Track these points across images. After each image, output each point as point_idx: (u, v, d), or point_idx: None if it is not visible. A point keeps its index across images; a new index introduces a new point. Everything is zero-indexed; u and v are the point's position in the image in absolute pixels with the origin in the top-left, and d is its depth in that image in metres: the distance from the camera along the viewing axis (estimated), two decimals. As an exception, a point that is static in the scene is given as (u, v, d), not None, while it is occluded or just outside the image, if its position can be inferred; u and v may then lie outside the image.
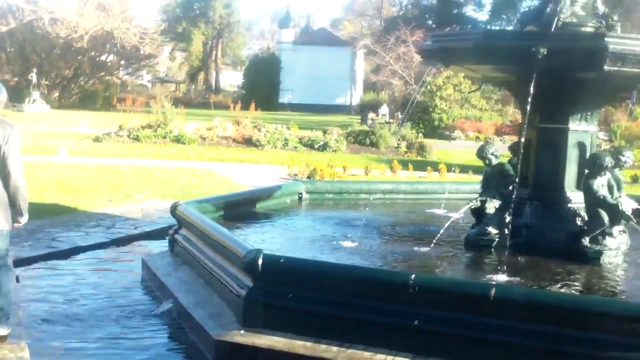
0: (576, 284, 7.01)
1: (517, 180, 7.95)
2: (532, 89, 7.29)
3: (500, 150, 8.64)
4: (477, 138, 32.99)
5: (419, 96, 38.59)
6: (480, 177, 17.58)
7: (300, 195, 10.99)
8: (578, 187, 8.11)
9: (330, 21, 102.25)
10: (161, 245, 10.39)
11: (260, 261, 6.19)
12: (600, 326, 5.32)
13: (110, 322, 7.17)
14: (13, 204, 6.04)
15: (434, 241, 8.02)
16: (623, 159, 8.15)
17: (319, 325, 6.02)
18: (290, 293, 6.17)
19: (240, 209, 9.76)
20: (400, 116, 42.53)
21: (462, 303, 5.71)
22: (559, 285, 6.80)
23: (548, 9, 8.22)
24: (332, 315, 6.01)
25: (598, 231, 7.68)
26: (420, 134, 28.54)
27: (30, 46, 50.95)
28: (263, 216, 9.82)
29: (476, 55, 7.66)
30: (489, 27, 63.50)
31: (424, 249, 8.00)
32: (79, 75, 55.21)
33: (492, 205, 8.07)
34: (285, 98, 68.23)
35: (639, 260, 7.88)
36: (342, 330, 5.94)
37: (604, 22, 8.06)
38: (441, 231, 8.18)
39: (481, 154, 8.39)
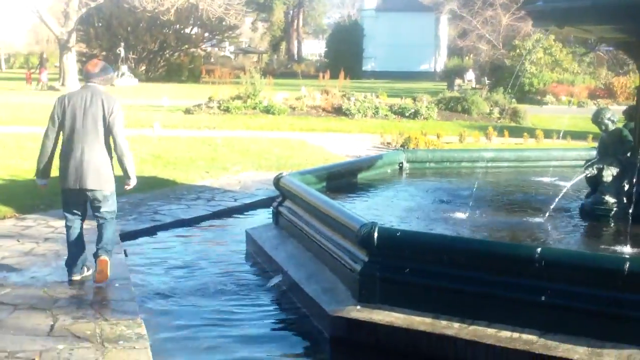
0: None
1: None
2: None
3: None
4: (570, 102, 32.07)
5: (507, 60, 37.71)
6: (580, 143, 17.26)
7: (401, 165, 10.76)
8: (700, 152, 7.65)
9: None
10: (262, 217, 10.41)
11: (376, 235, 6.01)
12: None
13: (221, 296, 7.14)
14: (121, 167, 6.79)
15: (548, 212, 7.72)
16: None
17: (439, 301, 5.84)
18: (408, 267, 5.99)
19: (342, 180, 9.62)
20: (487, 81, 41.67)
21: (593, 277, 5.41)
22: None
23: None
24: (452, 290, 5.81)
25: None
26: (514, 99, 27.83)
27: (116, 21, 51.77)
28: (366, 187, 9.64)
29: (596, 14, 7.22)
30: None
31: (538, 220, 7.70)
32: (165, 49, 55.87)
33: (609, 173, 7.71)
34: (368, 66, 67.73)
35: None
36: (463, 305, 5.74)
37: None
38: (555, 201, 7.86)
39: (597, 119, 8.00)
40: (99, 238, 6.87)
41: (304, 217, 7.78)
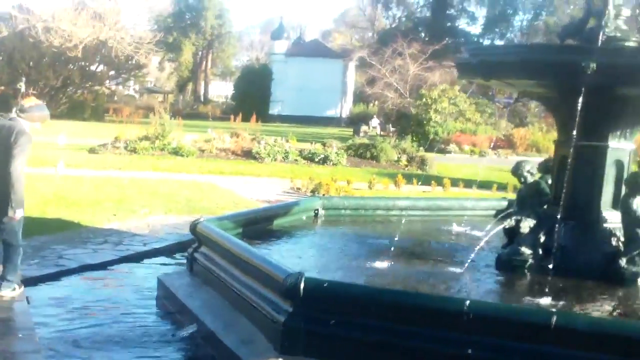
0: (618, 307, 6.73)
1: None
2: (579, 104, 7.01)
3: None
4: (472, 152, 32.85)
5: (413, 109, 38.47)
6: (485, 193, 17.59)
7: (316, 212, 10.63)
8: (614, 207, 7.82)
9: (320, 33, 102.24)
10: (173, 263, 10.10)
11: (302, 285, 5.83)
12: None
13: (133, 347, 6.79)
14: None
15: (467, 263, 7.73)
16: (660, 178, 7.85)
17: (365, 353, 5.69)
18: (334, 319, 5.82)
19: (259, 226, 9.40)
20: (392, 128, 42.34)
21: (520, 331, 5.38)
22: (602, 308, 6.54)
23: (591, 24, 7.98)
24: (379, 343, 5.67)
25: (636, 252, 7.40)
26: (421, 148, 28.31)
27: (19, 54, 50.28)
28: (283, 234, 9.45)
29: (521, 69, 7.35)
30: (481, 41, 63.72)
31: (457, 270, 7.67)
32: (68, 85, 54.57)
33: (526, 225, 7.78)
34: (275, 110, 67.96)
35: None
36: (390, 359, 5.61)
37: (647, 37, 7.80)
38: (474, 251, 7.88)
39: (517, 171, 8.10)
40: None
41: (222, 264, 7.53)
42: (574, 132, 7.46)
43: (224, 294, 7.29)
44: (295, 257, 8.03)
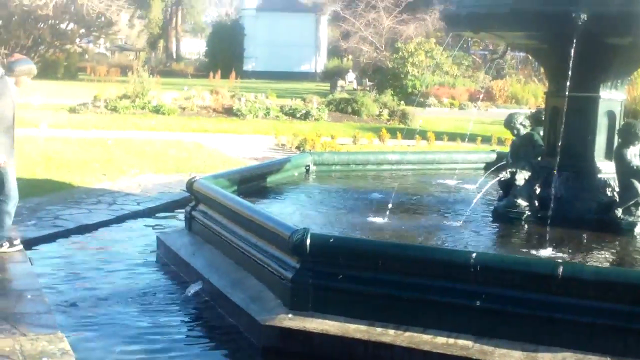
0: (615, 256, 6.88)
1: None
2: (570, 55, 7.05)
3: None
4: (452, 104, 32.87)
5: (389, 63, 38.34)
6: (470, 145, 17.71)
7: (307, 168, 10.70)
8: (607, 157, 7.95)
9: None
10: (170, 222, 10.15)
11: (308, 241, 5.91)
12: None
13: (139, 306, 6.86)
14: None
15: (464, 216, 7.85)
16: (651, 127, 7.97)
17: (374, 307, 5.80)
18: (341, 274, 5.93)
19: (252, 183, 9.45)
20: (368, 83, 42.20)
21: (526, 282, 5.51)
22: (599, 257, 6.67)
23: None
24: (387, 296, 5.79)
25: (632, 202, 7.53)
26: (402, 102, 28.30)
27: (-13, 15, 49.42)
28: (277, 191, 9.53)
29: (511, 20, 7.37)
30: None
31: (455, 223, 7.80)
32: (39, 44, 53.68)
33: (521, 177, 7.86)
34: (249, 66, 67.35)
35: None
36: (398, 311, 5.73)
37: (636, -14, 7.82)
38: (472, 204, 8.01)
39: (509, 123, 8.15)
40: None
41: (223, 222, 7.59)
42: (566, 83, 7.52)
43: (228, 252, 7.36)
44: (295, 214, 8.10)
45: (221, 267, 7.21)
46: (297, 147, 17.20)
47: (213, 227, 7.79)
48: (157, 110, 23.53)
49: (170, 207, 10.91)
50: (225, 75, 32.03)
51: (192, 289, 7.16)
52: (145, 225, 10.05)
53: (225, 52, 63.50)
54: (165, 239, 8.50)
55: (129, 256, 8.60)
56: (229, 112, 24.14)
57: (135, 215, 10.41)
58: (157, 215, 10.63)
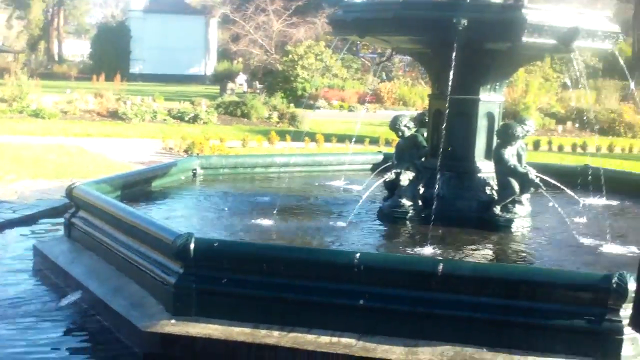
0: (493, 252, 7.11)
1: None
2: (452, 59, 7.22)
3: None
4: (341, 107, 33.25)
5: (279, 65, 38.45)
6: (358, 147, 17.91)
7: (194, 171, 10.54)
8: (487, 157, 8.17)
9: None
10: (47, 229, 9.79)
11: (192, 246, 5.80)
12: (547, 296, 5.35)
13: (14, 317, 6.56)
14: None
15: (350, 216, 7.89)
16: (526, 128, 8.22)
17: (258, 310, 5.74)
18: (226, 278, 5.84)
19: (137, 188, 9.24)
20: (259, 86, 42.19)
21: (407, 279, 5.59)
22: (478, 254, 6.86)
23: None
24: (272, 298, 5.75)
25: (509, 200, 7.77)
26: (291, 105, 28.37)
27: None
28: (162, 195, 9.34)
29: (395, 26, 7.50)
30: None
31: (341, 224, 7.84)
32: None
33: (406, 177, 7.98)
34: (136, 68, 66.23)
35: (545, 225, 8.07)
36: (282, 313, 5.70)
37: (511, -6, 8.07)
38: (357, 205, 8.07)
39: (394, 125, 8.24)
40: None
41: (104, 228, 7.36)
42: (448, 86, 7.68)
43: (109, 259, 7.14)
44: (179, 218, 7.96)
45: (102, 274, 6.99)
46: (185, 151, 16.99)
47: (94, 233, 7.55)
48: (36, 114, 22.78)
49: (49, 214, 10.51)
50: (110, 78, 31.37)
51: (70, 297, 6.91)
52: (22, 235, 9.64)
53: (111, 55, 62.37)
54: (42, 247, 8.19)
55: (2, 266, 8.22)
56: (114, 115, 23.63)
57: (10, 223, 9.95)
58: (35, 223, 10.21)
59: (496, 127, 8.15)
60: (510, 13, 7.25)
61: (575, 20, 7.31)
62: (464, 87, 7.95)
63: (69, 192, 8.16)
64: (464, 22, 6.99)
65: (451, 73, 7.31)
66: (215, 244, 5.98)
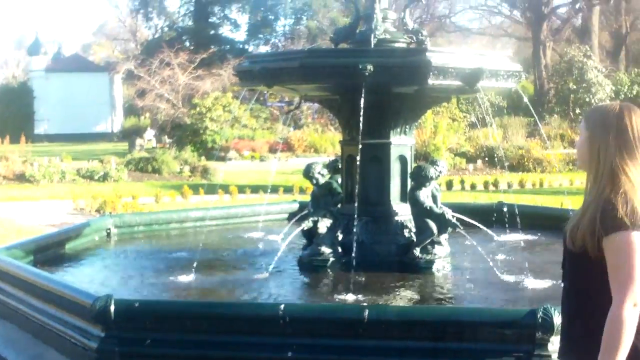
0: (418, 294, 7.15)
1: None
2: (361, 104, 7.32)
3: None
4: (253, 157, 33.31)
5: (187, 118, 38.33)
6: (273, 197, 17.94)
7: (108, 231, 10.33)
8: (402, 200, 8.28)
9: (80, 47, 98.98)
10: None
11: (112, 308, 5.66)
12: (474, 335, 5.39)
13: None
14: None
15: (271, 267, 7.86)
16: (439, 168, 8.38)
17: (185, 370, 5.65)
18: (149, 338, 5.72)
19: (50, 252, 8.98)
20: (168, 140, 41.92)
21: (336, 328, 5.58)
22: (401, 297, 6.92)
23: (362, 27, 8.41)
24: (198, 357, 5.66)
25: (427, 241, 7.87)
26: (202, 157, 28.26)
27: None
28: (75, 257, 9.08)
29: (302, 74, 7.57)
30: (247, 47, 64.55)
31: (261, 276, 7.79)
32: None
33: (323, 225, 8.00)
34: (41, 128, 65.01)
35: (465, 264, 8.18)
36: (210, 372, 5.61)
37: (414, 38, 8.30)
38: (277, 256, 8.04)
39: (308, 174, 8.29)
40: None
41: (18, 295, 7.12)
42: (359, 132, 7.77)
43: (25, 326, 6.90)
44: (95, 280, 7.76)
45: (19, 343, 6.74)
46: (97, 210, 16.68)
47: (6, 301, 7.30)
48: (-63, 180, 22.07)
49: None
50: (14, 140, 30.67)
51: (-12, 370, 6.64)
52: None
53: (14, 116, 61.19)
54: (-48, 319, 7.85)
55: None
56: (21, 178, 23.07)
57: None
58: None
59: (409, 170, 8.28)
60: (415, 57, 7.44)
61: (478, 61, 7.48)
62: (375, 131, 8.07)
63: (-20, 260, 7.87)
64: (370, 67, 7.08)
65: (361, 118, 7.40)
66: (136, 304, 5.85)
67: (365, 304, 6.35)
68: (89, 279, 7.81)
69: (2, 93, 68.81)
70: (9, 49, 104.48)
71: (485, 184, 22.87)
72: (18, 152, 26.01)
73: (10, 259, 7.56)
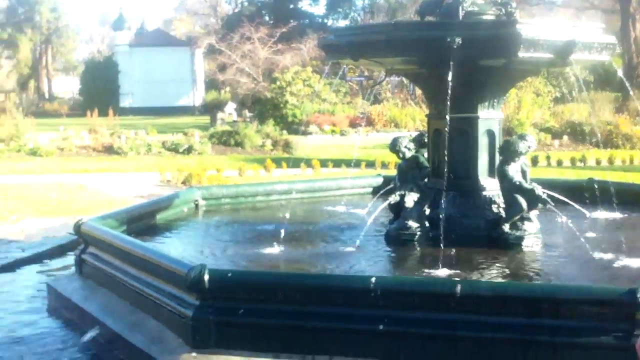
0: (509, 270, 7.07)
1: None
2: (449, 78, 7.25)
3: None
4: (333, 131, 33.36)
5: (268, 93, 38.62)
6: (353, 171, 17.98)
7: (196, 203, 10.57)
8: (490, 175, 8.21)
9: (162, 22, 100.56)
10: (58, 267, 9.79)
11: (206, 277, 5.82)
12: (571, 313, 5.33)
13: (38, 356, 6.57)
14: None
15: (358, 241, 7.91)
16: (528, 143, 8.26)
17: (277, 339, 5.75)
18: (242, 308, 5.86)
19: (142, 222, 9.25)
20: (248, 114, 42.32)
21: (427, 302, 5.61)
22: (491, 273, 6.86)
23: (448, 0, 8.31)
24: (290, 327, 5.76)
25: (517, 217, 7.79)
26: (284, 132, 28.49)
27: None
28: (167, 228, 9.35)
29: (388, 47, 7.53)
30: (326, 21, 64.45)
31: (349, 249, 7.85)
32: None
33: (410, 199, 7.99)
34: (126, 102, 66.46)
35: (556, 241, 8.04)
36: (302, 341, 5.70)
37: (503, 10, 8.17)
38: (364, 229, 8.09)
39: (394, 147, 8.27)
40: None
41: (116, 264, 7.38)
42: (445, 105, 7.70)
43: (123, 294, 7.15)
44: (188, 250, 7.98)
45: (117, 310, 7.00)
46: (183, 182, 17.04)
47: (105, 269, 7.57)
48: (34, 152, 22.85)
49: (57, 251, 10.56)
50: (102, 113, 31.52)
51: (89, 335, 6.92)
52: (33, 273, 9.67)
53: (101, 90, 62.62)
54: (55, 285, 8.20)
55: (17, 305, 8.25)
56: (109, 150, 23.71)
57: (20, 262, 10.02)
58: (44, 261, 10.25)
59: (497, 144, 8.19)
60: (504, 29, 7.32)
61: (570, 33, 7.33)
62: (462, 105, 7.98)
63: (77, 228, 8.18)
64: (458, 40, 7.02)
65: (448, 92, 7.34)
66: (229, 275, 6.01)
67: (456, 278, 6.33)
68: (181, 248, 8.02)
69: (88, 68, 70.55)
70: (93, 25, 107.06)
71: (572, 160, 22.39)
72: (106, 125, 26.77)
73: (107, 228, 7.82)
